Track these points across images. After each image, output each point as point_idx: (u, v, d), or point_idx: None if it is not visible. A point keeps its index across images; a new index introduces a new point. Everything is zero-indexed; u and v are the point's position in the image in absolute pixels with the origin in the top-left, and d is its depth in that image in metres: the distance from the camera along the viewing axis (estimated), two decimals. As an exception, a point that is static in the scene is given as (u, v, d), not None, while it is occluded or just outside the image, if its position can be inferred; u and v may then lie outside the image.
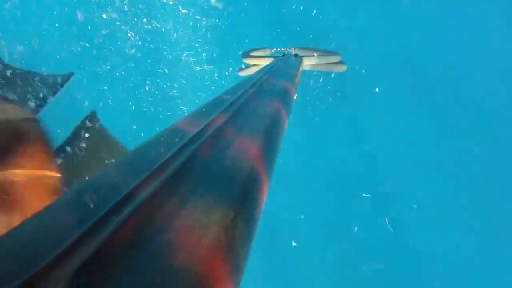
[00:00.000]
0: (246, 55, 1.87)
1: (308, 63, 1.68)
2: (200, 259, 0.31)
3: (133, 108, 4.60)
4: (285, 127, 0.71)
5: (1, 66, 1.89)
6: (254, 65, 1.84)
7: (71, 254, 0.27)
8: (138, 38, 4.44)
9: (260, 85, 0.83)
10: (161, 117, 4.58)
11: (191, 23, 4.62)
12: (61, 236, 0.29)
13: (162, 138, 0.49)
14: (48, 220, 0.32)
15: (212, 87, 4.61)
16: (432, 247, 5.15)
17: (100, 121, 1.80)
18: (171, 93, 4.63)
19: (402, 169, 5.28)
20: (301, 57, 1.63)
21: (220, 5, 4.64)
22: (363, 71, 4.84)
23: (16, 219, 0.84)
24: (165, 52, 4.62)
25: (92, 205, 0.33)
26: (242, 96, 0.69)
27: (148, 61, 4.56)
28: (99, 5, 4.19)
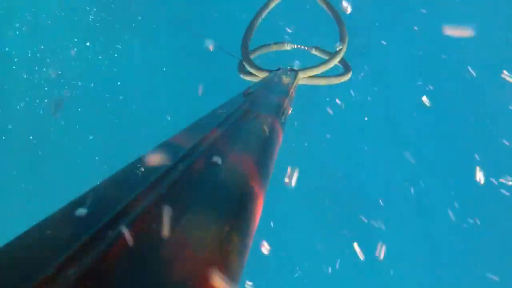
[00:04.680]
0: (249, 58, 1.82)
1: (303, 76, 1.69)
2: (195, 273, 0.31)
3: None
4: (280, 141, 0.72)
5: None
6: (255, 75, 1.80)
7: (67, 268, 0.27)
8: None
9: (255, 100, 0.84)
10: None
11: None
12: (57, 249, 0.29)
13: (157, 152, 0.49)
14: (43, 233, 0.32)
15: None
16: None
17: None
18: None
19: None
20: (297, 71, 1.64)
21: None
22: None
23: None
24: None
25: (87, 219, 0.34)
26: (237, 110, 0.70)
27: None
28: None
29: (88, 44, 6.50)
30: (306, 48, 2.01)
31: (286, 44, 2.04)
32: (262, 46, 2.05)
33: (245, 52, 1.84)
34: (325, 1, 1.91)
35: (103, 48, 6.51)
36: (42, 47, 6.47)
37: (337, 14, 1.86)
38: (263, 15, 1.96)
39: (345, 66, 1.84)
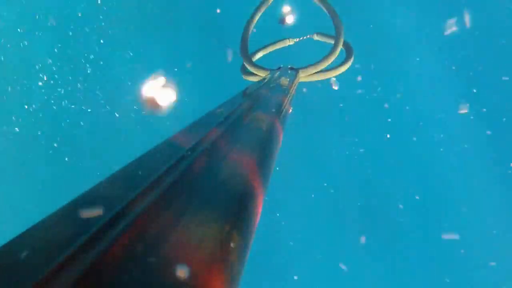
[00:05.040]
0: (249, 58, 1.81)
1: (303, 74, 1.68)
2: (196, 273, 0.31)
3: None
4: (280, 140, 0.72)
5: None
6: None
7: (67, 267, 0.27)
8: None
9: (255, 99, 0.84)
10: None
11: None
12: (57, 249, 0.29)
13: (157, 152, 0.49)
14: (43, 233, 0.32)
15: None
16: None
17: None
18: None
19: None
20: (297, 69, 1.63)
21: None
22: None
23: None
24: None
25: (87, 219, 0.33)
26: (237, 109, 0.70)
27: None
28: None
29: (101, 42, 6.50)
30: (307, 36, 2.00)
31: (288, 40, 2.04)
32: (265, 46, 2.05)
33: (245, 52, 1.84)
34: None
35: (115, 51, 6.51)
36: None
37: (329, 5, 1.85)
38: (259, 15, 1.96)
39: (348, 52, 1.82)
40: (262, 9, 1.96)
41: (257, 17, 1.95)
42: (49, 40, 6.47)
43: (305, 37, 2.00)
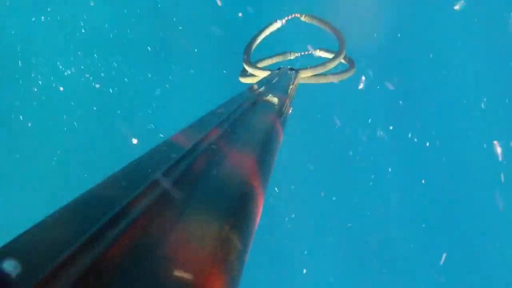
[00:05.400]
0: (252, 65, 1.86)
1: (303, 76, 1.69)
2: (195, 272, 0.31)
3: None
4: (280, 141, 0.72)
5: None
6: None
7: (67, 268, 0.27)
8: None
9: (255, 99, 0.84)
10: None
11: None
12: (57, 249, 0.29)
13: (157, 152, 0.49)
14: (43, 233, 0.32)
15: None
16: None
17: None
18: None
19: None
20: (297, 70, 1.64)
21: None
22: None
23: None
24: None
25: (87, 219, 0.33)
26: (237, 110, 0.70)
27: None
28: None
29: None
30: (309, 52, 2.05)
31: (290, 54, 2.08)
32: (267, 57, 2.09)
33: (246, 55, 1.87)
34: (312, 16, 1.99)
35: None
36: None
37: (328, 23, 1.93)
38: (270, 31, 2.04)
39: (349, 62, 1.87)
40: (271, 30, 2.03)
41: (267, 32, 2.02)
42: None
43: (307, 52, 2.05)
